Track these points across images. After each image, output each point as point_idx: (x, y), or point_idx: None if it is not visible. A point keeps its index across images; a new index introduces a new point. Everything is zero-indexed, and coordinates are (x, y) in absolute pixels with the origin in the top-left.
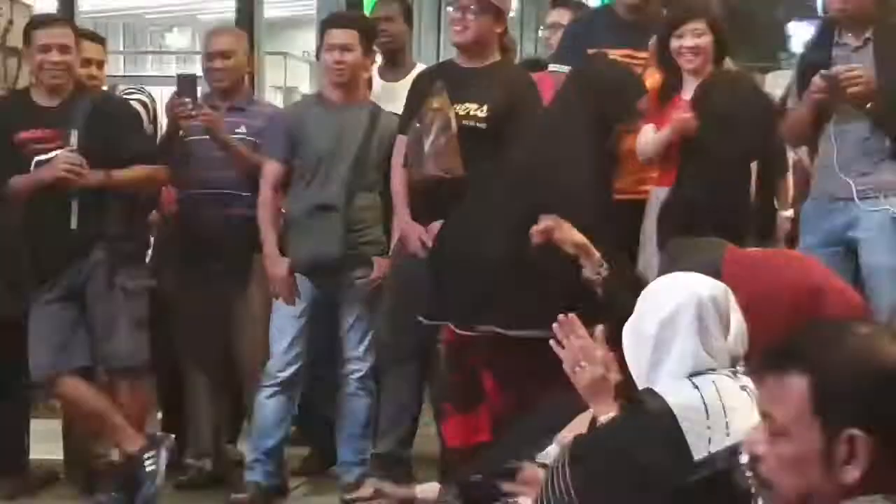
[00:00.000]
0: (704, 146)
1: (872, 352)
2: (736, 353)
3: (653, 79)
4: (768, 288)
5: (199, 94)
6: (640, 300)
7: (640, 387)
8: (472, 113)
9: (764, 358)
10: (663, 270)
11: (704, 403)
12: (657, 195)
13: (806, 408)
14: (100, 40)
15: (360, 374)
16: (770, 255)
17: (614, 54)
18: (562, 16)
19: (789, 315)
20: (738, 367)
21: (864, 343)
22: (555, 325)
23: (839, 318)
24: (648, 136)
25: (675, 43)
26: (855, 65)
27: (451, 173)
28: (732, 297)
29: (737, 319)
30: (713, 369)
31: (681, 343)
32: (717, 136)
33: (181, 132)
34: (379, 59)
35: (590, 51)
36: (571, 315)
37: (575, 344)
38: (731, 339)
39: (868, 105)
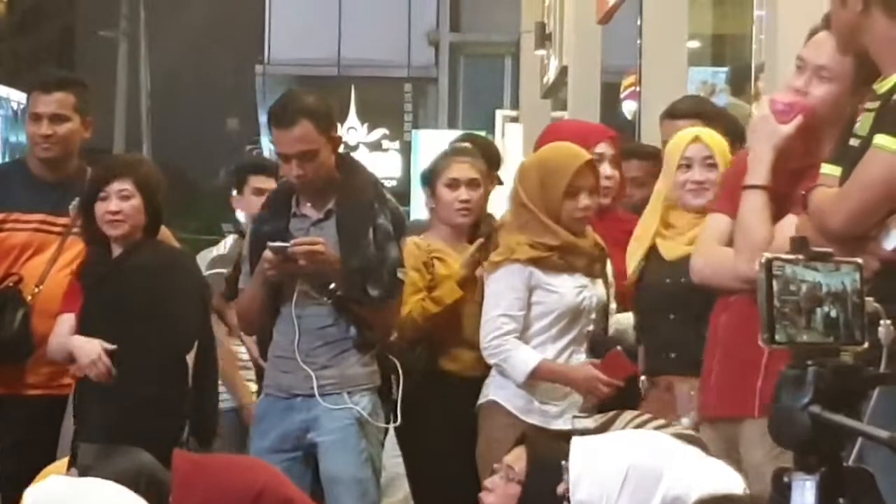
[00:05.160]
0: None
1: None
2: None
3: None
4: (213, 491)
5: None
6: None
7: None
8: None
9: None
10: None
11: None
12: None
13: None
14: None
15: None
16: (218, 458)
17: (27, 219)
18: None
19: None
20: None
21: None
22: None
23: None
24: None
25: (100, 208)
26: (314, 238)
27: None
28: None
29: None
30: None
31: None
32: (119, 329)
33: None
34: None
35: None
36: None
37: None
38: None
39: (330, 286)
